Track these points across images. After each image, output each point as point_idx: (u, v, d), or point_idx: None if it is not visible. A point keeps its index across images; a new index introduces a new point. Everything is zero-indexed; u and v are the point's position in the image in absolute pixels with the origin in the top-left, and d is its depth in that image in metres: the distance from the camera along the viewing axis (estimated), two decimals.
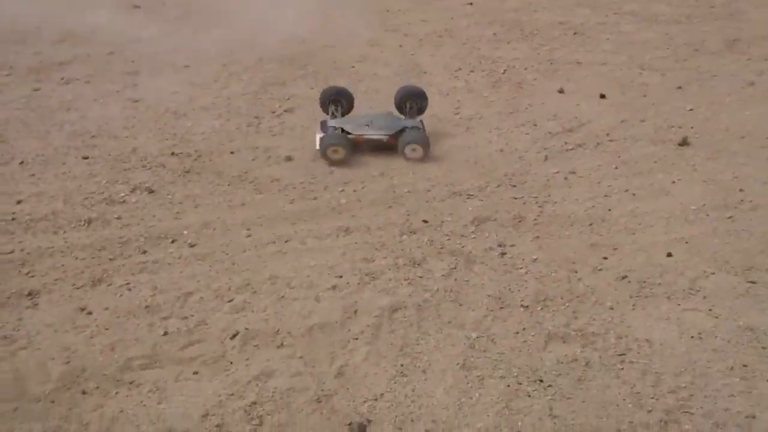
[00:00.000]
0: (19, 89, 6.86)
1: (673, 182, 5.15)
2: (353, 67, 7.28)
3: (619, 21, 8.56)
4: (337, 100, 5.89)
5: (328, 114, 5.90)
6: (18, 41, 8.14)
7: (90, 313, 3.97)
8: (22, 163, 5.52)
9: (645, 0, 9.34)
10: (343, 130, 5.58)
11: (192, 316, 3.92)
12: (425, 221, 4.73)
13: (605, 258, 4.38)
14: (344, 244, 4.51)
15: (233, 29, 8.49)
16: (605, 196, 5.01)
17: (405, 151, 5.53)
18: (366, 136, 5.62)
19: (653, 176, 5.23)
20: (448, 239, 4.55)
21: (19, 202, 5.02)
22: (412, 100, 5.87)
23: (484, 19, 8.70)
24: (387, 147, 5.62)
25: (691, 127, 5.89)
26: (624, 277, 4.20)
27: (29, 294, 4.12)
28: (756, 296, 4.02)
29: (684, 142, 5.63)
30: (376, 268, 4.27)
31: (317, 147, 5.54)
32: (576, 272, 4.25)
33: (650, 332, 3.77)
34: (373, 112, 6.04)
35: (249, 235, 4.63)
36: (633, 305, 3.98)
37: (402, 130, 5.60)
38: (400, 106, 5.91)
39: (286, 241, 4.56)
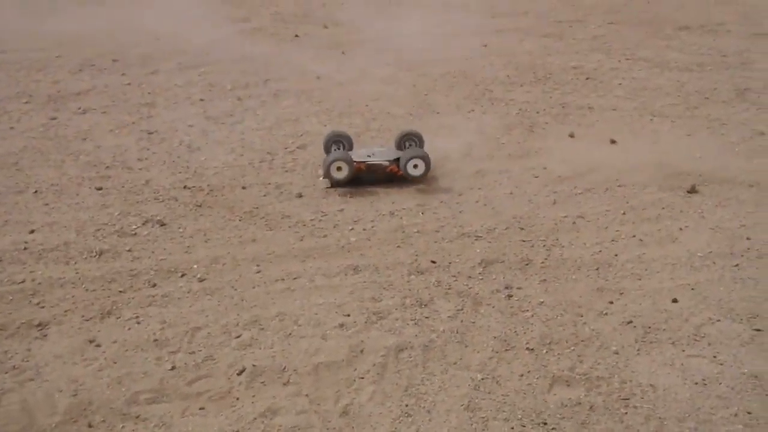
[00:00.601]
0: (36, 118, 6.97)
1: (681, 229, 5.17)
2: (367, 105, 7.35)
3: (632, 67, 8.64)
4: (339, 141, 5.98)
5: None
6: (39, 69, 8.27)
7: (99, 345, 4.01)
8: (36, 192, 5.60)
9: (658, 47, 9.42)
10: None
11: (200, 351, 3.96)
12: (433, 262, 4.77)
13: (611, 303, 4.40)
14: (352, 283, 4.54)
15: (249, 63, 8.60)
16: (612, 241, 5.04)
17: (407, 169, 5.70)
18: (368, 162, 5.73)
19: (661, 222, 5.26)
20: (456, 280, 4.59)
21: (32, 231, 5.09)
22: (410, 139, 6.01)
23: (499, 61, 8.79)
24: (389, 179, 5.74)
25: (700, 175, 5.92)
26: (629, 322, 4.21)
27: (39, 324, 4.17)
28: (761, 344, 4.03)
29: (693, 190, 5.66)
30: (383, 308, 4.30)
31: (320, 172, 5.71)
32: (582, 316, 4.27)
33: (654, 378, 3.78)
34: (374, 146, 6.15)
35: (258, 271, 4.67)
36: (638, 350, 3.99)
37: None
38: (400, 145, 6.02)
39: (295, 278, 4.60)
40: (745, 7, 11.48)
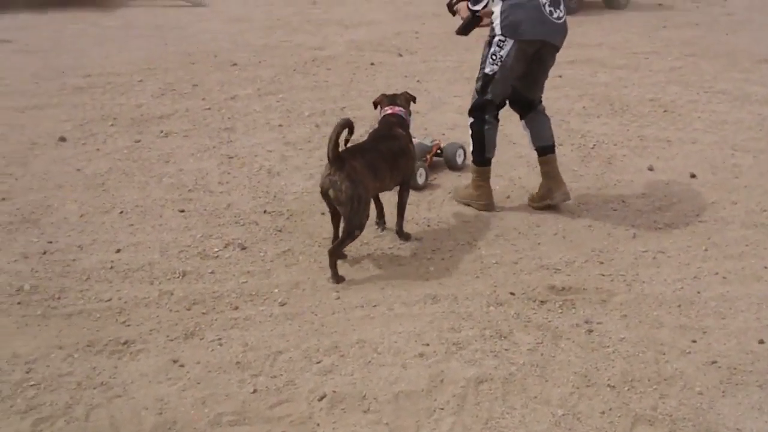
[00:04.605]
0: (121, 140, 7.14)
1: (766, 267, 5.08)
2: (443, 134, 7.38)
3: (711, 100, 8.53)
4: None
5: None
6: (122, 93, 8.49)
7: (182, 365, 4.07)
8: (122, 212, 5.73)
9: (738, 80, 9.30)
10: None
11: (281, 375, 4.00)
12: (512, 293, 4.75)
13: (694, 341, 4.33)
14: (431, 312, 4.55)
15: (325, 90, 8.71)
16: (695, 278, 4.96)
17: (456, 158, 6.69)
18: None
19: (745, 260, 5.17)
20: (535, 313, 4.56)
21: (118, 251, 5.20)
22: None
23: (574, 92, 8.76)
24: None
25: None
26: (714, 362, 4.14)
27: (125, 342, 4.25)
28: None
29: None
30: (462, 338, 4.30)
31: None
32: (664, 354, 4.21)
33: (741, 421, 3.71)
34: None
35: (338, 298, 4.71)
36: (723, 392, 3.92)
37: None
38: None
39: (374, 306, 4.62)
40: None
